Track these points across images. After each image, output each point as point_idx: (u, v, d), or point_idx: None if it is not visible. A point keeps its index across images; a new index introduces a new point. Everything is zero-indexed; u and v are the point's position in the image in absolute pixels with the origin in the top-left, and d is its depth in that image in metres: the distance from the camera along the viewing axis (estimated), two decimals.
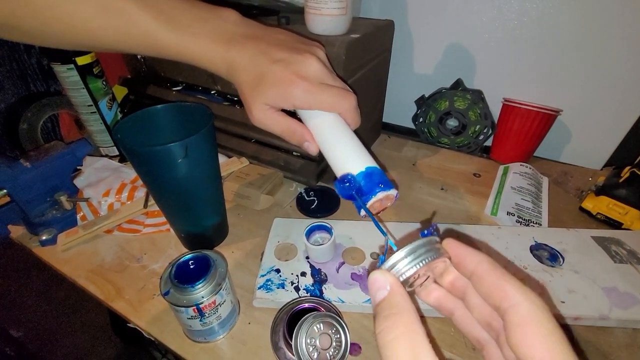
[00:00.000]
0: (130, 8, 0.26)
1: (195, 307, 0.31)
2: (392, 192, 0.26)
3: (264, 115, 0.29)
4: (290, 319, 0.29)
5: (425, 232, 0.20)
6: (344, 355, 0.26)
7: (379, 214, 0.27)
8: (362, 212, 0.25)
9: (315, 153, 0.31)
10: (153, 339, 0.37)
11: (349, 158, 0.27)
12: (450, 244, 0.20)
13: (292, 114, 0.31)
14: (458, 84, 0.64)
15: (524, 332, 0.15)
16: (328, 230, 0.41)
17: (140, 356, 1.03)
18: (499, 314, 0.16)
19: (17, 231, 0.49)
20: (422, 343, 0.15)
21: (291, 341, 0.26)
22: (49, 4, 0.25)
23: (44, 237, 0.46)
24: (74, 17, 0.26)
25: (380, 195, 0.25)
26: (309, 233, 0.41)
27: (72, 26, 0.27)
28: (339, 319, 0.27)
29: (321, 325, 0.27)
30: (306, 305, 0.30)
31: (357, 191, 0.25)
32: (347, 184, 0.26)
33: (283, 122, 0.30)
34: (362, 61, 0.51)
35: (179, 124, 0.41)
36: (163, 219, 0.49)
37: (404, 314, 0.16)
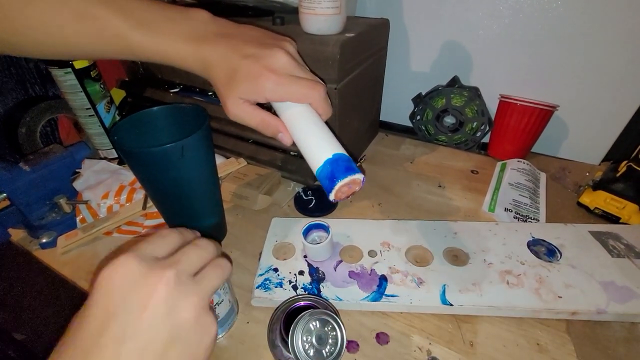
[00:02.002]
0: (103, 13, 0.27)
1: None
2: (358, 176, 0.27)
3: (238, 109, 0.30)
4: (287, 317, 0.29)
5: None
6: (340, 352, 0.26)
7: (349, 198, 0.30)
8: (332, 196, 0.28)
9: (289, 143, 0.32)
10: None
11: (318, 146, 0.29)
12: None
13: (269, 109, 0.32)
14: (454, 81, 0.64)
15: None
16: (325, 228, 0.42)
17: None
18: None
19: (17, 234, 0.49)
20: None
21: (288, 339, 0.26)
22: (25, 15, 0.26)
23: (44, 240, 0.47)
24: (49, 25, 0.27)
25: (347, 179, 0.27)
26: (307, 232, 0.41)
27: (49, 34, 0.28)
28: (335, 316, 0.28)
29: (317, 322, 0.27)
30: (302, 303, 0.31)
31: (328, 177, 0.27)
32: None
33: (257, 115, 0.31)
34: (358, 60, 0.51)
35: (176, 125, 0.41)
36: (162, 221, 0.49)
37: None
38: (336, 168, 0.27)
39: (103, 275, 0.20)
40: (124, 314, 0.19)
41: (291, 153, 0.55)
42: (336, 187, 0.27)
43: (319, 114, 0.31)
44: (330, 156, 0.27)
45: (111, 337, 0.18)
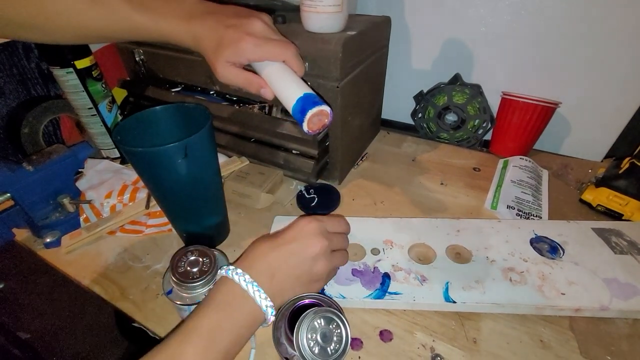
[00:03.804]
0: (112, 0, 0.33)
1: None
2: (325, 107, 0.34)
3: (226, 71, 0.35)
4: (292, 315, 0.29)
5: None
6: (344, 350, 0.26)
7: (321, 132, 0.37)
8: (305, 127, 0.34)
9: (270, 97, 0.37)
10: (158, 338, 0.38)
11: (291, 90, 0.34)
12: None
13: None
14: (456, 79, 0.63)
15: None
16: None
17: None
18: None
19: (21, 234, 0.50)
20: None
21: (292, 337, 0.27)
22: (54, 1, 0.32)
23: (48, 240, 0.47)
24: (72, 10, 0.32)
25: (315, 110, 0.33)
26: None
27: (71, 19, 0.33)
28: (340, 314, 0.28)
29: (322, 320, 0.27)
30: (307, 301, 0.31)
31: (299, 111, 0.34)
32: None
33: (242, 75, 0.36)
34: (360, 58, 0.51)
35: (179, 124, 0.41)
36: (165, 220, 0.49)
37: None
38: (306, 102, 0.33)
39: (301, 220, 0.35)
40: (297, 245, 0.32)
41: (293, 152, 0.55)
42: (307, 117, 0.33)
43: (295, 71, 0.36)
44: (302, 95, 0.33)
45: (288, 249, 0.32)
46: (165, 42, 0.36)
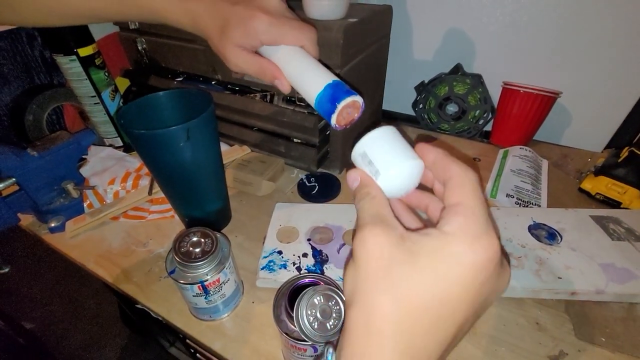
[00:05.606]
0: None
1: (200, 284, 0.32)
2: (358, 98, 0.28)
3: (237, 57, 0.30)
4: (292, 293, 0.30)
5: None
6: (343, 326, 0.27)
7: (348, 126, 0.30)
8: (333, 120, 0.28)
9: (287, 91, 0.32)
10: (161, 319, 0.38)
11: (317, 76, 0.29)
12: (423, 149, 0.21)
13: None
14: (457, 69, 0.64)
15: (454, 187, 0.18)
16: None
17: (149, 345, 1.06)
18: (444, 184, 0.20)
19: (26, 220, 0.50)
20: (384, 204, 0.20)
21: (292, 313, 0.27)
22: None
23: (52, 225, 0.47)
24: None
25: (349, 100, 0.27)
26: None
27: (72, 2, 0.32)
28: (339, 291, 0.28)
29: (321, 297, 0.28)
30: (307, 280, 0.31)
31: (329, 100, 0.28)
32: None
33: (256, 62, 0.31)
34: (361, 46, 0.51)
35: (181, 109, 0.42)
36: (167, 206, 0.50)
37: (372, 186, 0.21)
38: (337, 91, 0.28)
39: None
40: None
41: (294, 140, 0.56)
42: (339, 108, 0.27)
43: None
44: (331, 81, 0.28)
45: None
46: (159, 22, 0.33)
